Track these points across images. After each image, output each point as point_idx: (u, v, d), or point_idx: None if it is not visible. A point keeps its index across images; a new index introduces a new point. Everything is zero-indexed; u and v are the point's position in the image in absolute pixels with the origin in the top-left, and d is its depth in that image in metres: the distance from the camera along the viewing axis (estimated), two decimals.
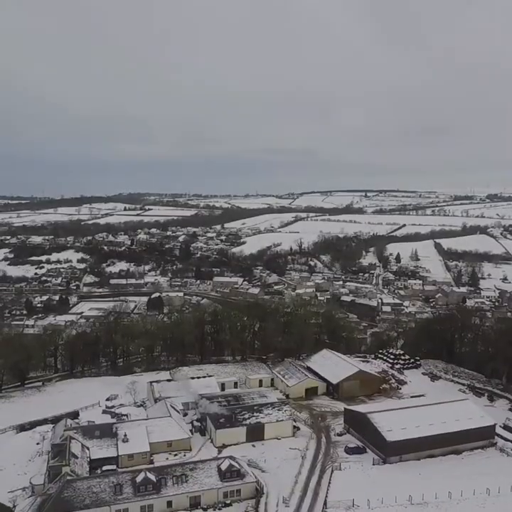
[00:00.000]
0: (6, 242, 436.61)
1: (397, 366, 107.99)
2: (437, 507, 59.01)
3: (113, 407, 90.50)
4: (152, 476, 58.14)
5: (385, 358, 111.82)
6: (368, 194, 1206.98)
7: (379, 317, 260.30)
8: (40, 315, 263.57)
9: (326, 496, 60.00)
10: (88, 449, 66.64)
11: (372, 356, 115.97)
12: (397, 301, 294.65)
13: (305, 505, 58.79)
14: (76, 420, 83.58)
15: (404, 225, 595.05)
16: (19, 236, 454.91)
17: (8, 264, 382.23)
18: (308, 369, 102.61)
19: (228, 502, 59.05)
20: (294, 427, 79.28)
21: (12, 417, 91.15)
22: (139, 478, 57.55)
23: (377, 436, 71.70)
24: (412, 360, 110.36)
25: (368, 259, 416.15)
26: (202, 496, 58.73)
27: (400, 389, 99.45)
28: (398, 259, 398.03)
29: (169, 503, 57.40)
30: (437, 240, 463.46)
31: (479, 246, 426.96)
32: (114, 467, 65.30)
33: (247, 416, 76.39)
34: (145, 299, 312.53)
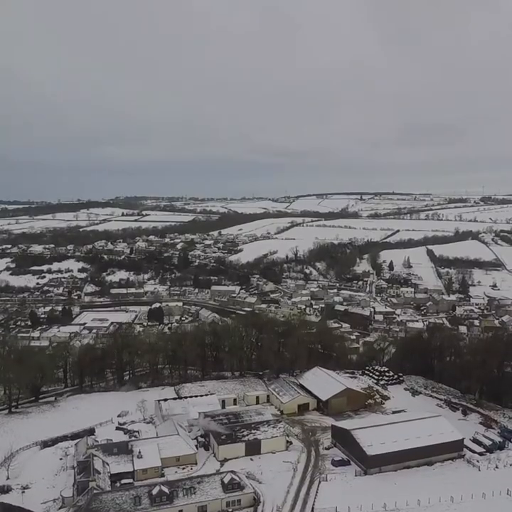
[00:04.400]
0: (7, 251, 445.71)
1: (382, 382, 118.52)
2: None
3: (125, 423, 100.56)
4: (166, 489, 68.40)
5: (370, 374, 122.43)
6: (364, 197, 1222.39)
7: (371, 326, 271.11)
8: (44, 326, 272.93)
9: (313, 505, 70.43)
10: (108, 464, 76.70)
11: (360, 372, 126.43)
12: (389, 309, 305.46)
13: None
14: (92, 436, 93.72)
15: (399, 231, 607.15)
16: (20, 245, 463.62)
17: (10, 274, 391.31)
18: (301, 386, 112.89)
19: (230, 510, 69.34)
20: (287, 441, 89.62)
21: (33, 433, 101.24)
22: (155, 491, 67.79)
23: (360, 450, 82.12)
24: (395, 377, 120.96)
25: (362, 266, 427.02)
26: (208, 505, 69.04)
27: (384, 404, 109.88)
28: (391, 266, 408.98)
29: None
30: (430, 247, 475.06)
31: (470, 252, 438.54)
32: (130, 480, 75.40)
33: (245, 433, 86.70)
34: (145, 308, 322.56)
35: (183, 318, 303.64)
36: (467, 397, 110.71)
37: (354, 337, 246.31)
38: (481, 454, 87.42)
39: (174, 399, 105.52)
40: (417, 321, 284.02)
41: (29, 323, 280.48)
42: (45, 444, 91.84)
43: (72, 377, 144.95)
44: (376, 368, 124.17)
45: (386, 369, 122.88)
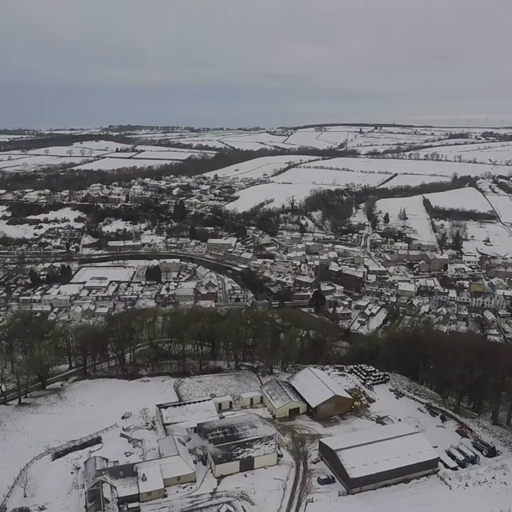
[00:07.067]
0: (2, 198, 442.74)
1: (368, 383, 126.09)
2: None
3: (128, 429, 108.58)
4: None
5: (358, 373, 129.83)
6: (363, 130, 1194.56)
7: (364, 288, 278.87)
8: (44, 285, 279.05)
9: None
10: (116, 488, 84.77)
11: (348, 370, 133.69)
12: (382, 268, 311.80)
13: None
14: (98, 446, 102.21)
15: (397, 175, 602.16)
16: (15, 191, 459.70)
17: (7, 223, 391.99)
18: (292, 388, 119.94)
19: None
20: (278, 455, 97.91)
21: (43, 434, 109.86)
22: None
23: (343, 471, 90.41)
24: (381, 376, 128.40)
25: (358, 217, 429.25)
26: None
27: (369, 407, 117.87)
28: (387, 218, 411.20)
29: None
30: (426, 196, 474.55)
31: (466, 203, 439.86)
32: (137, 504, 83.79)
33: (240, 451, 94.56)
34: (143, 263, 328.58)
35: (180, 276, 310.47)
36: (447, 402, 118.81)
37: (346, 302, 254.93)
38: (454, 468, 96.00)
39: (174, 405, 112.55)
40: (408, 281, 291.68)
41: (29, 281, 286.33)
42: (57, 455, 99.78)
43: (75, 359, 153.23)
44: (364, 367, 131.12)
45: (373, 369, 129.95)
